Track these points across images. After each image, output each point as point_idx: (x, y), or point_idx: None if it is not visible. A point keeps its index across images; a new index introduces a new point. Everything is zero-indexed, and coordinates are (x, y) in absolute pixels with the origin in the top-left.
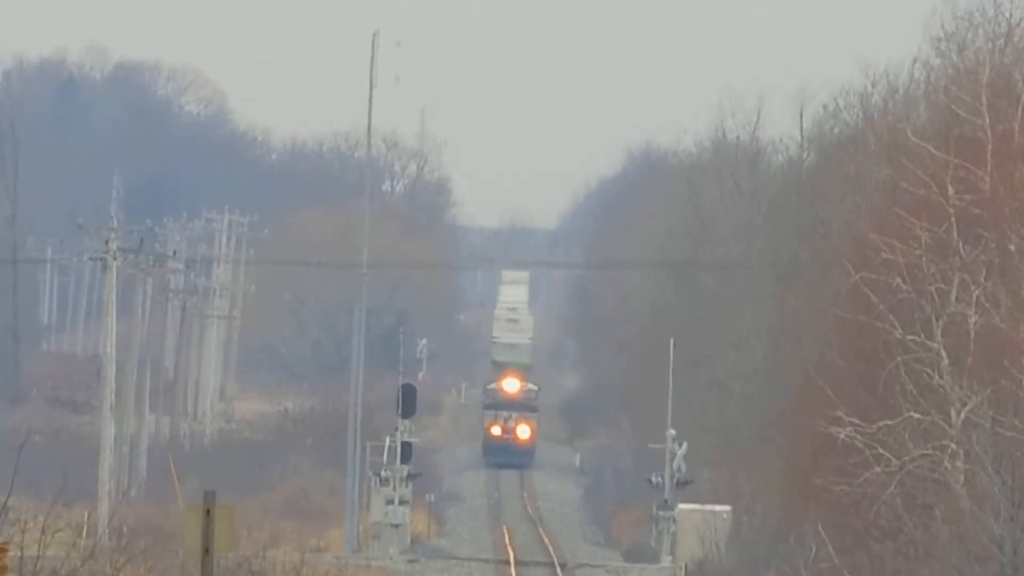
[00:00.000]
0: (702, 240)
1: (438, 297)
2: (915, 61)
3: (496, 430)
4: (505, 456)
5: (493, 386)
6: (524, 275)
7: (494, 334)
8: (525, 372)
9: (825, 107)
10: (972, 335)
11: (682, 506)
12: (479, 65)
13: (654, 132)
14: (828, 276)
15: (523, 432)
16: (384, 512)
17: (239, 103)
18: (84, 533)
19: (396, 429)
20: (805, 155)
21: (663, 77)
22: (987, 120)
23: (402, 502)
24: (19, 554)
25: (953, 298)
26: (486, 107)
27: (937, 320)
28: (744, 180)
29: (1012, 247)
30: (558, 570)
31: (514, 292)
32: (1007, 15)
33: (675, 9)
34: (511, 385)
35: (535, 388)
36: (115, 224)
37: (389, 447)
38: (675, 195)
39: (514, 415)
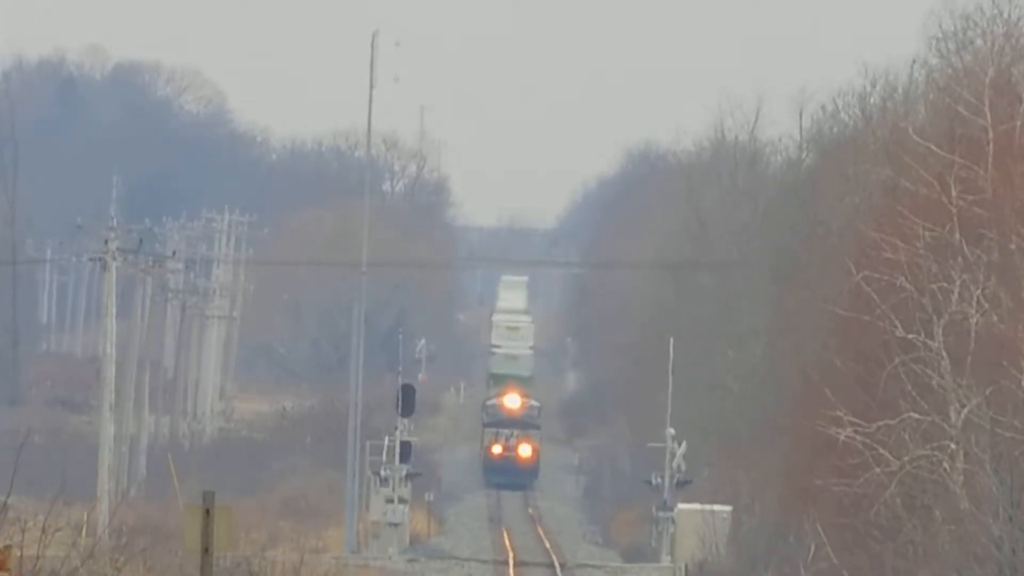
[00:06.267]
0: (701, 240)
1: (437, 297)
2: (915, 62)
3: (497, 449)
4: (506, 476)
5: (493, 402)
6: (523, 280)
7: (492, 343)
8: (526, 386)
9: (824, 107)
10: (973, 335)
11: (682, 506)
12: (478, 65)
13: (653, 132)
14: (827, 276)
15: (525, 451)
16: (383, 511)
17: (239, 103)
18: (84, 533)
19: (395, 428)
20: (804, 155)
21: (662, 77)
22: (989, 119)
23: (401, 501)
24: (19, 554)
25: (955, 298)
26: (485, 107)
27: (938, 320)
28: (743, 180)
29: (1013, 247)
30: (557, 570)
31: (513, 297)
32: (1005, 15)
33: (675, 9)
34: (512, 401)
35: (537, 404)
36: (115, 224)
37: (388, 446)
38: (674, 195)
39: (515, 433)
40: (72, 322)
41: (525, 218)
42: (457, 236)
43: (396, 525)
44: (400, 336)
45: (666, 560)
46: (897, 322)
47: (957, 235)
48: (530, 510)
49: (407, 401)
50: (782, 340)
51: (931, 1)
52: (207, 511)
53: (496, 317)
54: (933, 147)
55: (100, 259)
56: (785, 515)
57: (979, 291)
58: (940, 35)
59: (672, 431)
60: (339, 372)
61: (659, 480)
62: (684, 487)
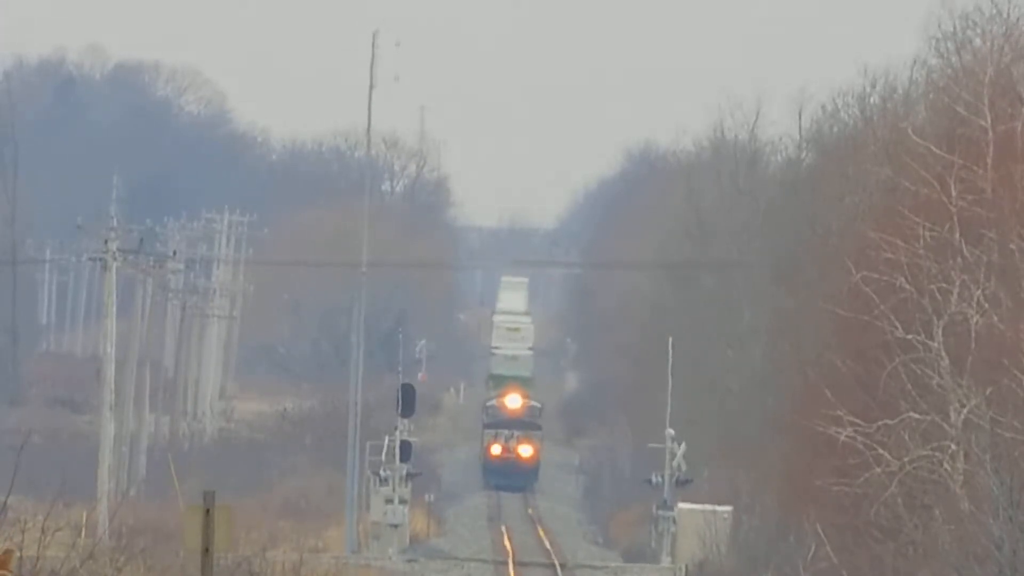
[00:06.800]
0: (701, 240)
1: (438, 297)
2: (915, 62)
3: (496, 449)
4: (506, 477)
5: (493, 403)
6: (523, 280)
7: (493, 344)
8: (526, 386)
9: (824, 107)
10: (973, 335)
11: (683, 505)
12: (478, 64)
13: (653, 132)
14: (827, 276)
15: (525, 451)
16: (383, 512)
17: (239, 103)
18: (84, 533)
19: (395, 429)
20: (804, 155)
21: (662, 77)
22: (989, 120)
23: (401, 502)
24: (19, 555)
25: (955, 298)
26: (485, 107)
27: (938, 320)
28: (743, 180)
29: (1013, 247)
30: (558, 570)
31: (513, 298)
32: (1005, 15)
33: (674, 9)
34: (513, 402)
35: (538, 405)
36: (115, 224)
37: (388, 446)
38: (674, 195)
39: (516, 434)
40: (72, 322)
41: (525, 218)
42: (457, 236)
43: (396, 525)
44: (400, 336)
45: (666, 560)
46: (897, 322)
47: (957, 235)
48: (530, 510)
49: (407, 401)
50: (782, 340)
51: (931, 1)
52: (207, 511)
53: (497, 318)
54: (933, 147)
55: (100, 259)
56: (785, 515)
57: (979, 291)
58: (940, 35)
59: (672, 431)
60: (339, 372)
61: (659, 480)
62: (684, 486)
